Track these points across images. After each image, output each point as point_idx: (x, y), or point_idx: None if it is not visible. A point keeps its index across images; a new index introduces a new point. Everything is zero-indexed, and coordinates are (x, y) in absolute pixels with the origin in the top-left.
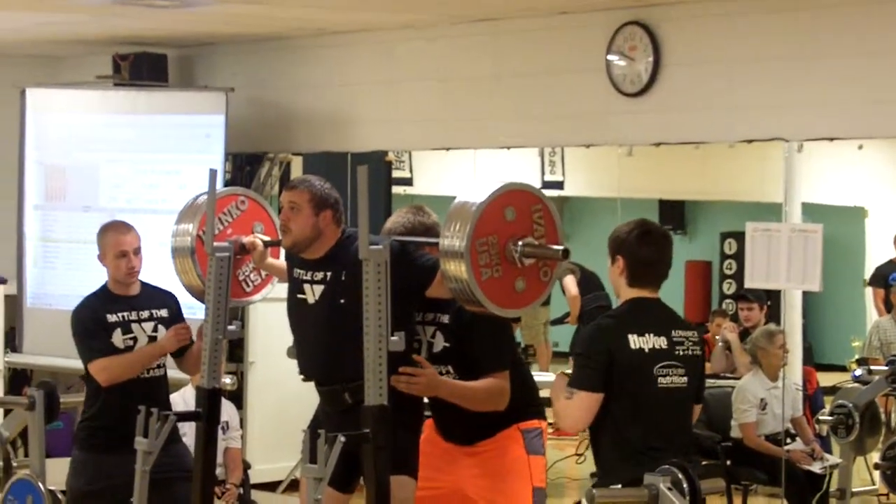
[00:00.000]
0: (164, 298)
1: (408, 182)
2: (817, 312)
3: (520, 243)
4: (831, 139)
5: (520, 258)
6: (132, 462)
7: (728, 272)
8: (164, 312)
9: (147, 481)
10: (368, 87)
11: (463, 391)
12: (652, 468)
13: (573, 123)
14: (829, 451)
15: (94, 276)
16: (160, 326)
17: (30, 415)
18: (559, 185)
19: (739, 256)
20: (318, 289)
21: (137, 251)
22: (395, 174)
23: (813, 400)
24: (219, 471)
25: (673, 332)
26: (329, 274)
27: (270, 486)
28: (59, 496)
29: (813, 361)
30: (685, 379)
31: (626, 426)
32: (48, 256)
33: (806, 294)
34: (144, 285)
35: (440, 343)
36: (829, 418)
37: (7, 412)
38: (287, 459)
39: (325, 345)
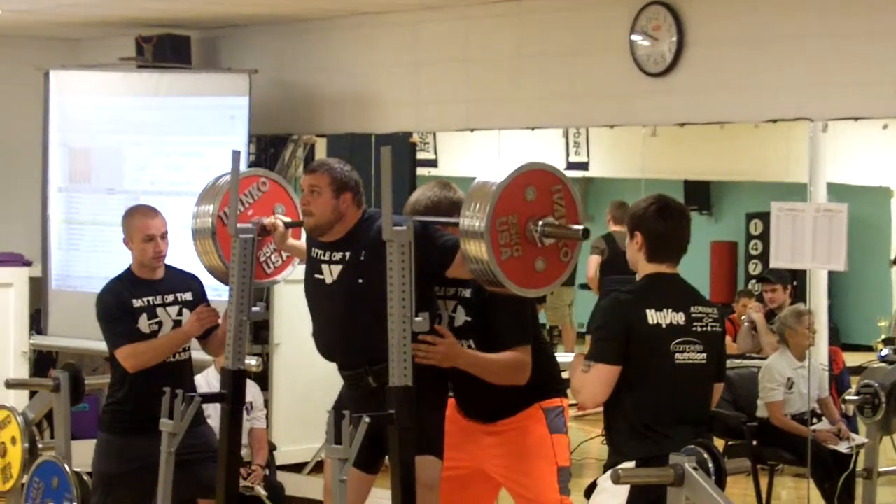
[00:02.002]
0: (189, 281)
1: (432, 163)
2: (843, 293)
3: (540, 223)
4: (856, 119)
5: (540, 238)
6: (157, 445)
7: (754, 253)
8: (188, 296)
9: (172, 463)
10: (392, 69)
11: (483, 362)
12: (666, 446)
13: (597, 104)
14: (856, 431)
15: (119, 258)
16: (185, 310)
17: (55, 397)
18: (584, 165)
19: (765, 237)
20: (336, 269)
21: (164, 235)
22: (420, 155)
23: (839, 380)
24: (244, 452)
25: (692, 308)
26: (348, 254)
27: (296, 468)
28: (85, 478)
29: (839, 341)
30: (704, 356)
31: (642, 402)
32: (72, 239)
33: (832, 274)
34: (169, 268)
35: (461, 317)
36: (856, 398)
37: (32, 394)
38: (312, 441)
39: (344, 326)
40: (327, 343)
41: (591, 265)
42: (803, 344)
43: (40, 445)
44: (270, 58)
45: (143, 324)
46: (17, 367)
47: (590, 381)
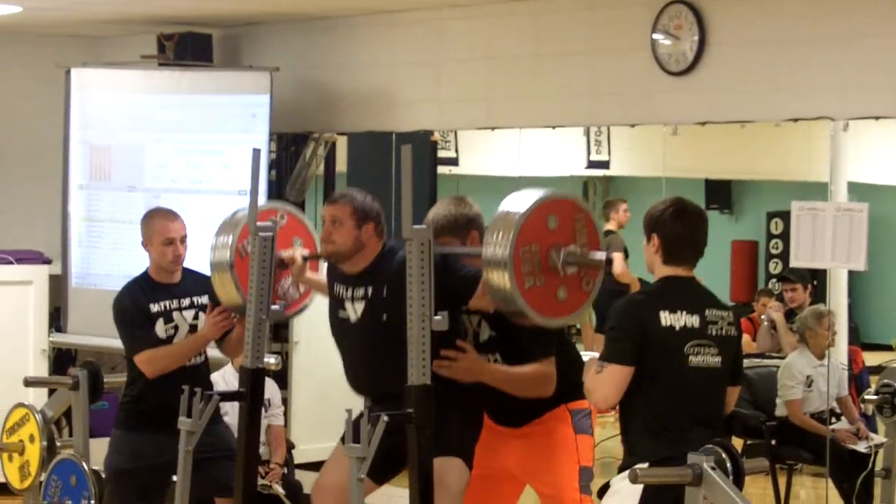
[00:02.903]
0: (205, 283)
1: (453, 162)
2: (863, 292)
3: (562, 251)
4: (877, 118)
5: (562, 266)
6: (170, 443)
7: (774, 252)
8: (204, 299)
9: (190, 461)
10: (413, 67)
11: (506, 376)
12: (681, 448)
13: (618, 102)
14: (875, 431)
15: (138, 256)
16: (200, 314)
17: (74, 395)
18: (605, 164)
19: (786, 236)
20: (360, 306)
21: (184, 239)
22: (441, 154)
23: (858, 379)
24: (262, 450)
25: (707, 310)
26: (370, 290)
27: (314, 466)
28: (103, 476)
29: (859, 341)
30: (719, 359)
31: (656, 405)
32: (92, 236)
33: (852, 274)
34: (185, 271)
35: (486, 332)
36: (875, 397)
37: (51, 392)
38: (331, 439)
39: (372, 363)
40: (357, 379)
41: (617, 264)
42: (823, 344)
43: (58, 443)
44: (292, 56)
45: (160, 328)
46: (37, 365)
47: (603, 381)
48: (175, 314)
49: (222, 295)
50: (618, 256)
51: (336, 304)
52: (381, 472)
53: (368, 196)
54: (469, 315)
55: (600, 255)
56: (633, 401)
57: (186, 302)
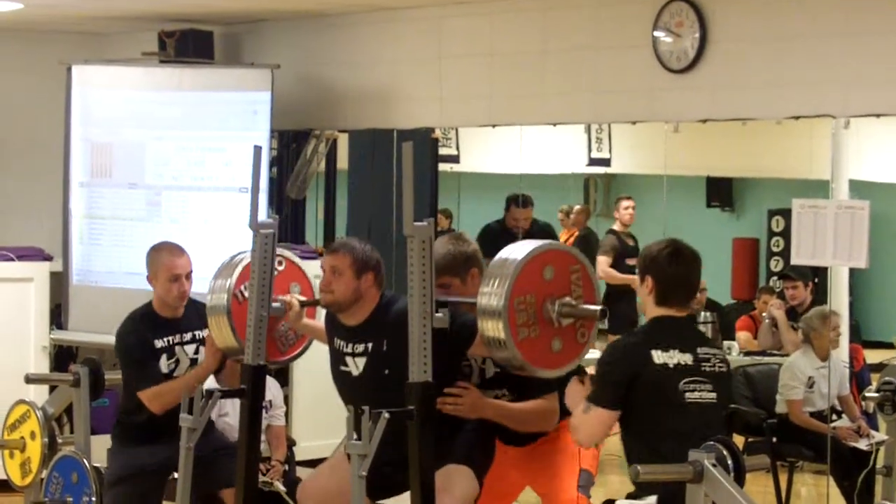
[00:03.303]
0: (205, 316)
1: (454, 159)
2: (864, 290)
3: (557, 303)
4: (879, 116)
5: (557, 318)
6: (164, 450)
7: (776, 249)
8: (204, 333)
9: (191, 458)
10: (415, 64)
11: (510, 412)
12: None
13: (619, 100)
14: (876, 428)
15: (140, 254)
16: (201, 347)
17: (75, 391)
18: (606, 161)
19: (787, 234)
20: (361, 361)
21: (189, 275)
22: (442, 151)
23: (860, 377)
24: (262, 447)
25: (699, 349)
26: (370, 345)
27: (315, 463)
28: (104, 473)
29: (860, 338)
30: (714, 395)
31: (660, 442)
32: (94, 233)
33: (853, 271)
34: (188, 303)
35: (491, 368)
36: (876, 395)
37: (52, 389)
38: (332, 436)
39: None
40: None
41: (600, 265)
42: (826, 346)
43: (60, 440)
44: (293, 53)
45: (163, 363)
46: (38, 362)
47: (588, 423)
48: (177, 348)
49: (218, 338)
50: (601, 260)
51: (337, 358)
52: (377, 488)
53: (368, 245)
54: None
55: (595, 308)
56: (634, 437)
57: (188, 336)
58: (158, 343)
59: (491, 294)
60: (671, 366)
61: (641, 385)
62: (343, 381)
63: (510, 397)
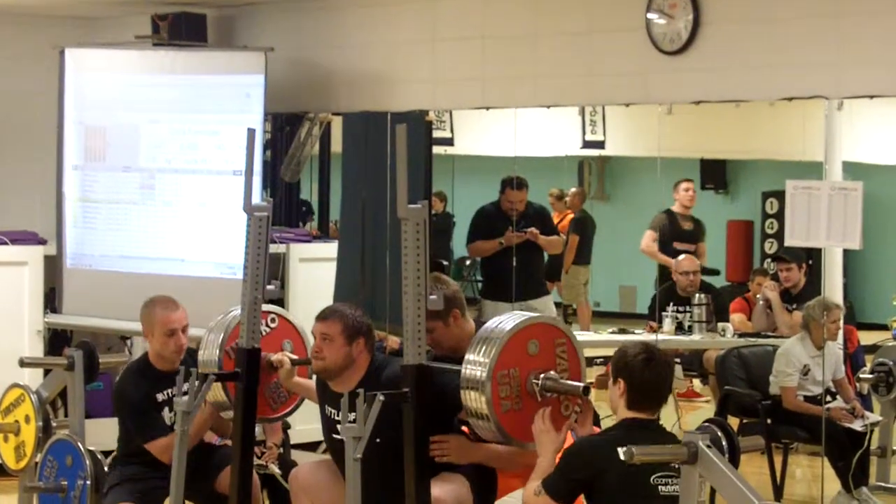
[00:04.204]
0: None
1: (448, 142)
2: (858, 271)
3: (541, 376)
4: (872, 97)
5: (540, 392)
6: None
7: (770, 231)
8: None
9: (186, 443)
10: (409, 46)
11: (498, 454)
12: None
13: (613, 82)
14: (870, 409)
15: (134, 237)
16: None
17: (69, 375)
18: (600, 144)
19: (781, 216)
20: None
21: (185, 329)
22: (436, 134)
23: (854, 358)
24: (258, 430)
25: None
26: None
27: (311, 447)
28: (99, 456)
29: (854, 320)
30: None
31: None
32: (88, 217)
33: (847, 252)
34: (185, 354)
35: None
36: (870, 376)
37: (47, 372)
38: None
39: (369, 484)
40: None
41: (645, 239)
42: (824, 336)
43: (54, 424)
44: (286, 36)
45: (165, 416)
46: (32, 346)
47: None
48: (176, 400)
49: (209, 393)
50: (646, 234)
51: (329, 426)
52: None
53: (358, 311)
54: None
55: (577, 385)
56: None
57: (186, 388)
58: (160, 396)
59: (475, 366)
60: (639, 462)
61: (609, 481)
62: (336, 447)
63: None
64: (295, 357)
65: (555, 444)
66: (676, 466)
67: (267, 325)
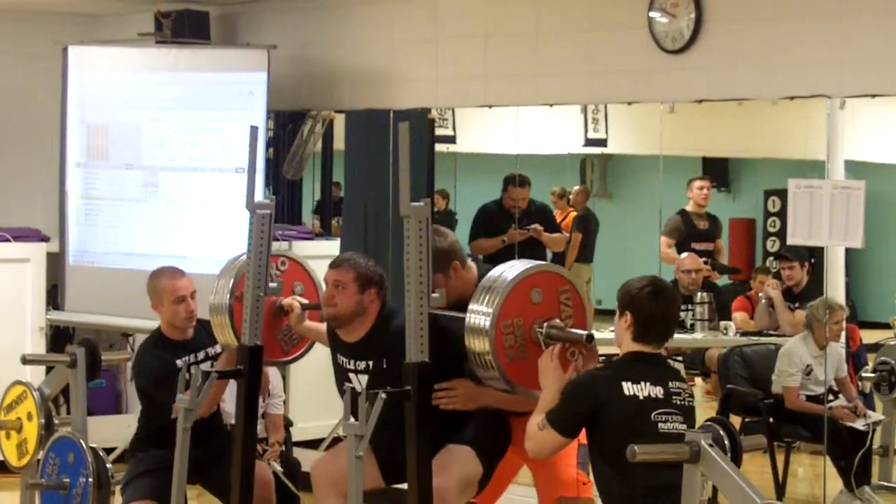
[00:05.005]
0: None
1: (451, 140)
2: (860, 270)
3: (545, 325)
4: (874, 96)
5: (544, 340)
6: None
7: (772, 230)
8: (217, 348)
9: (188, 439)
10: (411, 44)
11: (505, 396)
12: None
13: (615, 80)
14: (872, 408)
15: (136, 234)
16: (215, 364)
17: (71, 372)
18: (602, 142)
19: (783, 214)
20: (363, 378)
21: (193, 294)
22: (438, 132)
23: (856, 357)
24: (260, 428)
25: (670, 383)
26: (371, 363)
27: (313, 444)
28: (101, 454)
29: (856, 319)
30: (685, 426)
31: (633, 472)
32: (90, 214)
33: (849, 251)
34: (196, 323)
35: None
36: (872, 375)
37: (49, 369)
38: (329, 417)
39: (380, 431)
40: (376, 446)
41: (661, 246)
42: (827, 336)
43: (56, 421)
44: (289, 33)
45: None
46: (34, 343)
47: (540, 440)
48: (192, 369)
49: (220, 337)
50: (662, 241)
51: (342, 375)
52: (393, 476)
53: (371, 261)
54: None
55: (581, 333)
56: (607, 464)
57: (202, 355)
58: (179, 362)
59: (479, 315)
60: (641, 398)
61: (611, 415)
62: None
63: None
64: (305, 301)
65: (559, 382)
66: (678, 403)
67: (278, 269)
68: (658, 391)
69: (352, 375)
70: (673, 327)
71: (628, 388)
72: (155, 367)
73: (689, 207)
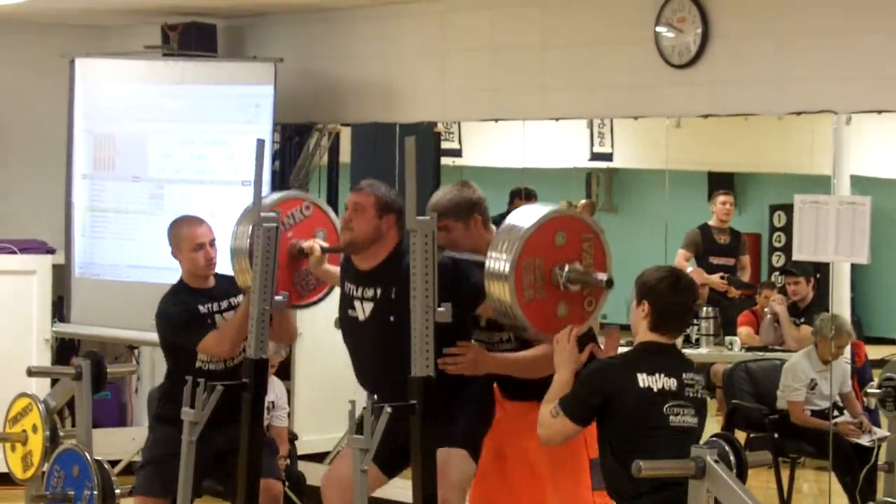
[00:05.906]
0: (235, 283)
1: (457, 153)
2: (866, 285)
3: (566, 268)
4: (880, 112)
5: (564, 283)
6: (203, 434)
7: (777, 245)
8: (240, 298)
9: (193, 451)
10: (417, 58)
11: (513, 362)
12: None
13: (622, 95)
14: (878, 424)
15: (142, 247)
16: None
17: (77, 384)
18: (608, 156)
19: (789, 229)
20: (368, 306)
21: (213, 242)
22: (445, 145)
23: (861, 373)
24: None
25: (684, 374)
26: (379, 290)
27: (317, 457)
28: (107, 466)
29: (861, 334)
30: (696, 420)
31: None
32: (96, 226)
33: (855, 267)
34: (217, 275)
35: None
36: (878, 391)
37: (54, 382)
38: (334, 430)
39: (376, 363)
40: (364, 376)
41: (678, 259)
42: (831, 353)
43: (62, 433)
44: (296, 46)
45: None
46: (40, 355)
47: (552, 427)
48: (217, 316)
49: (241, 280)
50: (679, 254)
51: (346, 302)
52: (391, 466)
53: (393, 191)
54: None
55: (602, 277)
56: (613, 454)
57: (225, 304)
58: (202, 308)
59: (499, 254)
60: (655, 390)
61: (623, 406)
62: (349, 325)
63: (514, 344)
64: (325, 245)
65: (574, 363)
66: (690, 395)
67: (302, 213)
68: (672, 383)
69: (356, 303)
70: (690, 318)
71: (643, 379)
72: (175, 312)
73: (712, 221)
